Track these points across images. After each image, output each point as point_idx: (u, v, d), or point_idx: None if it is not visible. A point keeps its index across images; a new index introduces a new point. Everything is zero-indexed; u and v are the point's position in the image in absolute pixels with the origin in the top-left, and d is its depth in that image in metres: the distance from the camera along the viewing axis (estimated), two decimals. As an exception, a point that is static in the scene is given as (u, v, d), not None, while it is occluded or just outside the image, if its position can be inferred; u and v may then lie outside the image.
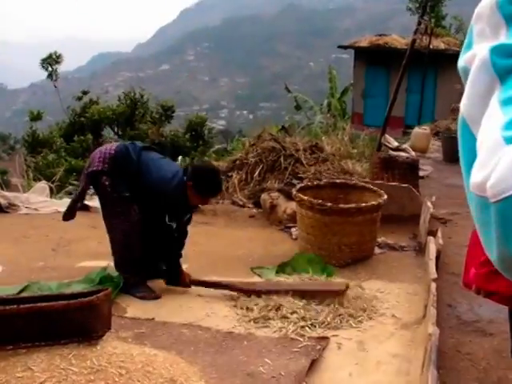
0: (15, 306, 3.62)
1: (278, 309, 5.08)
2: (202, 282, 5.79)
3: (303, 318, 4.91)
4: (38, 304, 3.68)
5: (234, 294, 5.57)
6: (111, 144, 5.79)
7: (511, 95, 1.07)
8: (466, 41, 1.41)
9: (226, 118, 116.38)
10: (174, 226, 5.44)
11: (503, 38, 1.18)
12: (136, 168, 5.41)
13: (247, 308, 5.19)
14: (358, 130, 19.17)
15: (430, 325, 4.18)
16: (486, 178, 0.99)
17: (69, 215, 5.90)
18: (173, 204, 5.40)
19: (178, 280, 5.70)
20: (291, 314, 4.98)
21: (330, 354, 4.46)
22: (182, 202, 5.46)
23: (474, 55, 1.20)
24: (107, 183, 5.37)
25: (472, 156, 1.14)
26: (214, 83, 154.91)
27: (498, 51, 1.13)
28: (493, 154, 1.01)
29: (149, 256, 5.62)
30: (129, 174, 5.40)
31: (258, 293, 5.57)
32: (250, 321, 4.97)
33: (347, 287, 5.39)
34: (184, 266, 6.22)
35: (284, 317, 4.96)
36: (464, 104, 1.21)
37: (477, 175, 1.04)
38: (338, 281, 5.67)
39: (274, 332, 4.76)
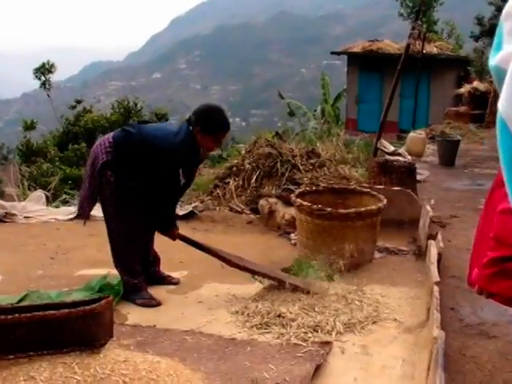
0: (17, 315, 3.59)
1: (278, 316, 5.05)
2: (188, 239, 5.85)
3: (305, 325, 4.88)
4: (40, 313, 3.64)
5: (236, 300, 5.55)
6: (107, 134, 5.66)
7: None
8: (495, 40, 1.37)
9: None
10: (183, 182, 5.40)
11: None
12: (140, 139, 5.32)
13: (248, 314, 5.16)
14: (352, 135, 19.19)
15: (435, 328, 4.16)
16: None
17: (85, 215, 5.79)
18: (185, 158, 5.33)
19: (172, 228, 5.71)
20: (292, 321, 4.95)
21: (333, 359, 4.44)
22: (194, 152, 5.41)
23: (511, 54, 1.17)
24: (112, 179, 5.29)
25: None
26: (205, 91, 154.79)
27: None
28: None
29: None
30: (134, 148, 5.31)
31: (240, 268, 5.75)
32: (252, 327, 4.94)
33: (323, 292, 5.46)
34: (184, 273, 6.22)
35: (286, 323, 4.93)
36: (502, 104, 1.18)
37: None
38: (318, 285, 5.64)
39: (277, 338, 4.73)
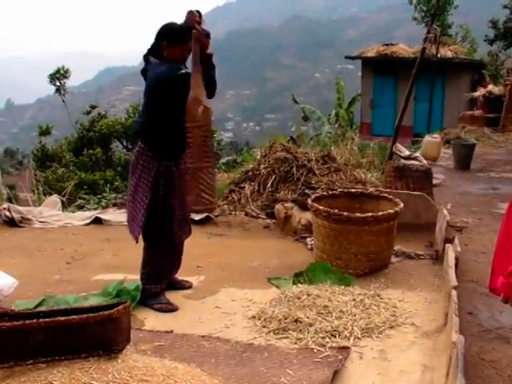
0: (35, 321, 3.59)
1: (296, 321, 5.03)
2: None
3: (322, 330, 4.86)
4: (59, 318, 3.64)
5: (253, 305, 5.53)
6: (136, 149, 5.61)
7: None
8: None
9: (233, 129, 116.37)
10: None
11: None
12: (143, 116, 5.59)
13: (265, 319, 5.14)
14: (366, 139, 19.17)
15: (454, 333, 4.13)
16: None
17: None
18: (176, 71, 5.33)
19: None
20: (310, 326, 4.93)
21: (351, 364, 4.41)
22: (178, 66, 5.41)
23: None
24: (162, 181, 5.34)
25: None
26: (220, 95, 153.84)
27: None
28: None
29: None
30: (151, 123, 5.45)
31: None
32: (269, 332, 4.93)
33: None
34: (200, 278, 6.22)
35: (303, 328, 4.91)
36: None
37: None
38: None
39: (295, 343, 4.71)
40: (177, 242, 5.61)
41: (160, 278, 5.59)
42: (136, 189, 5.43)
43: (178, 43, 5.39)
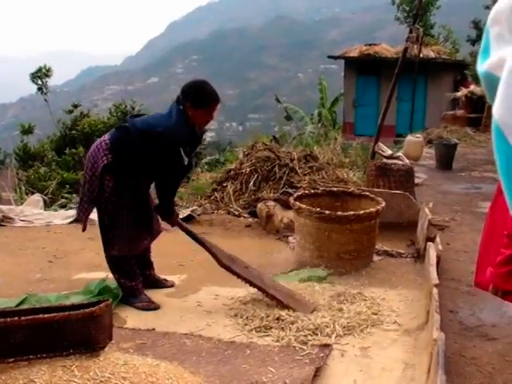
0: (16, 318, 3.57)
1: (277, 319, 5.04)
2: (184, 228, 5.80)
3: (304, 328, 4.87)
4: (40, 315, 3.63)
5: (235, 304, 5.53)
6: (102, 137, 5.58)
7: None
8: (481, 45, 1.37)
9: (216, 129, 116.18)
10: (187, 161, 5.32)
11: None
12: (135, 131, 5.29)
13: (247, 317, 5.15)
14: (348, 139, 19.20)
15: (435, 330, 4.14)
16: None
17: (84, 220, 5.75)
18: (183, 136, 5.26)
19: (173, 213, 5.64)
20: (292, 324, 4.94)
21: (333, 362, 4.42)
22: (190, 130, 5.36)
23: (502, 60, 1.15)
24: (110, 184, 5.27)
25: (509, 165, 1.09)
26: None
27: None
28: None
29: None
30: (132, 143, 5.28)
31: (229, 270, 5.64)
32: (251, 330, 4.93)
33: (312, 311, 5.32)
34: (182, 277, 6.21)
35: (285, 326, 4.92)
36: (497, 111, 1.16)
37: None
38: (305, 302, 5.55)
39: (276, 341, 4.72)
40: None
41: (130, 274, 5.54)
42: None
43: (202, 106, 5.34)
